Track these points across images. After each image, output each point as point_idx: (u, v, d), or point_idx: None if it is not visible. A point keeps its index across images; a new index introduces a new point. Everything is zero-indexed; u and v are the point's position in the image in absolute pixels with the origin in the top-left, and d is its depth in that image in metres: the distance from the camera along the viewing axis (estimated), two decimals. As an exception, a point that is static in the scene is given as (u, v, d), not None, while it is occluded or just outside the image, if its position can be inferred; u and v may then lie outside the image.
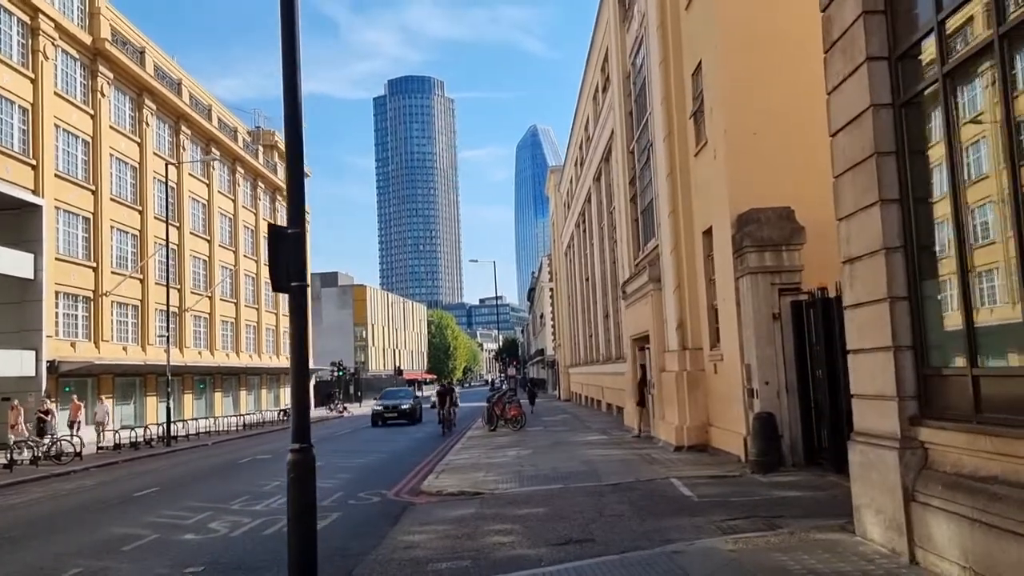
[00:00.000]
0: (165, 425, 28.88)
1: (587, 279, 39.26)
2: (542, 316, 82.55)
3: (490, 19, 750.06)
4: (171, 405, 30.08)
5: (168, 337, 30.34)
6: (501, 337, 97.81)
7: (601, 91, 30.19)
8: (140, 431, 28.55)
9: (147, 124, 38.12)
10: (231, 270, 48.63)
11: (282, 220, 58.53)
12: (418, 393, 44.13)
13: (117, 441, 26.85)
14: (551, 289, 66.49)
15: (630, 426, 22.31)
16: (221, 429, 35.88)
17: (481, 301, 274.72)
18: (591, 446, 18.76)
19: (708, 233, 15.08)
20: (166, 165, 32.00)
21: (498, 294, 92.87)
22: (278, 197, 57.68)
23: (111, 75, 34.88)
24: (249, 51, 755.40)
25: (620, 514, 9.68)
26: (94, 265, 33.20)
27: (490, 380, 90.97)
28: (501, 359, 74.88)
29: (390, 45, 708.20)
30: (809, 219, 12.59)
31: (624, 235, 23.03)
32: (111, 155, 34.93)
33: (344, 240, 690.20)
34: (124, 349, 35.33)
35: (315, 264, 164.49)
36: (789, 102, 13.41)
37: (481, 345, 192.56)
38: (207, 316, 44.77)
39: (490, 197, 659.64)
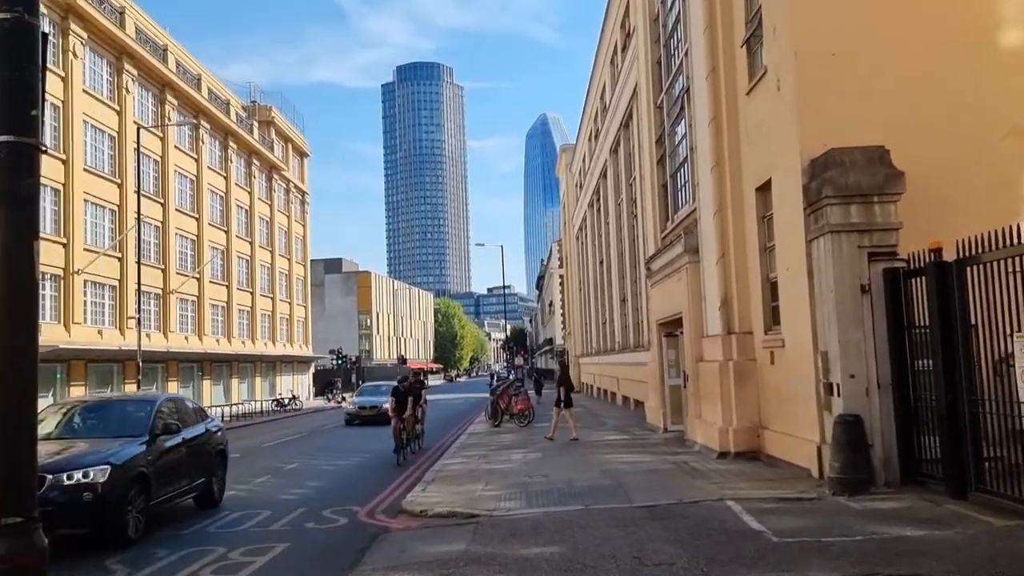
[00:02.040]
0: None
1: (601, 262, 36.30)
2: (551, 304, 79.65)
3: (500, 7, 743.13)
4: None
5: (139, 319, 27.55)
6: (508, 326, 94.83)
7: (620, 51, 27.13)
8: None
9: (127, 91, 35.27)
10: (222, 251, 45.83)
11: (279, 200, 55.80)
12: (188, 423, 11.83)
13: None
14: (561, 276, 63.50)
15: (654, 424, 19.38)
16: (205, 420, 33.25)
17: (489, 290, 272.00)
18: (612, 448, 15.85)
19: (764, 188, 12.09)
20: (138, 129, 29.14)
21: (506, 284, 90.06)
22: (275, 176, 54.82)
23: (85, 35, 32.00)
24: (258, 38, 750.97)
25: (669, 562, 6.76)
26: (64, 241, 30.44)
27: (494, 370, 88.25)
28: (508, 348, 72.00)
29: (398, 33, 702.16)
30: (906, 163, 9.61)
31: (649, 204, 20.03)
32: (85, 122, 32.09)
33: (352, 229, 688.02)
34: (99, 333, 32.61)
35: (320, 248, 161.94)
36: (878, 13, 10.44)
37: (489, 335, 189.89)
38: (195, 299, 42.03)
39: (499, 188, 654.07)
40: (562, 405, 18.18)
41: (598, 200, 36.30)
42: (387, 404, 19.34)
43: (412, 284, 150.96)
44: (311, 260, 70.92)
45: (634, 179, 25.56)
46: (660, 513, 8.93)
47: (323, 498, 12.11)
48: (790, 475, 10.73)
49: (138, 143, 29.46)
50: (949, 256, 8.60)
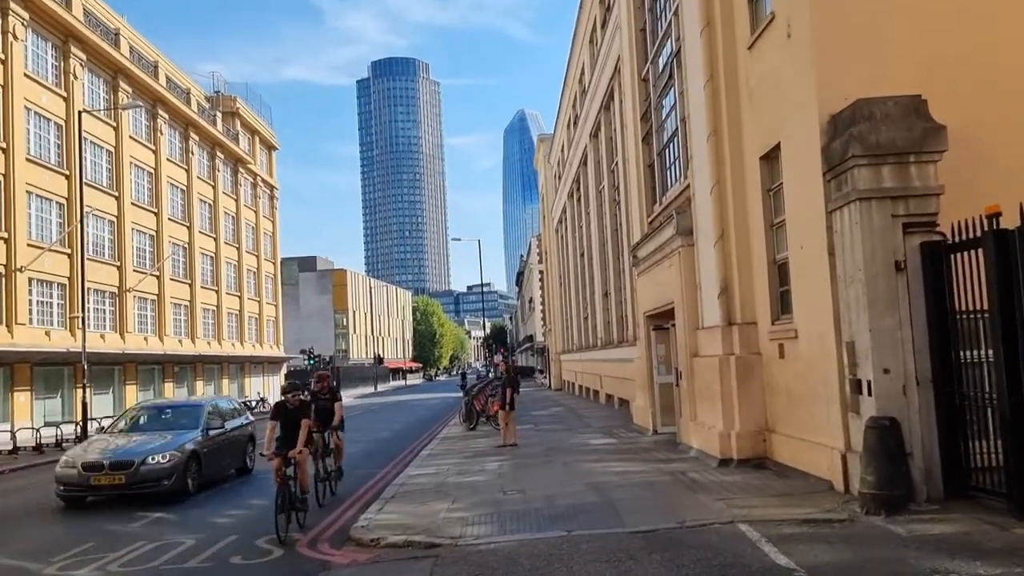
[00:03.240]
0: (81, 424, 24.13)
1: (582, 254, 34.75)
2: (531, 301, 78.04)
3: (475, 4, 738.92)
4: (90, 398, 25.25)
5: (83, 317, 25.49)
6: (488, 324, 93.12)
7: (600, 27, 25.54)
8: (54, 431, 23.89)
9: (75, 76, 33.00)
10: (183, 247, 43.60)
11: (246, 195, 53.67)
12: None
13: (15, 444, 22.07)
14: (541, 271, 61.90)
15: (641, 425, 17.80)
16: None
17: (469, 288, 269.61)
18: (597, 455, 14.21)
19: (770, 156, 10.51)
20: (80, 115, 27.00)
21: (486, 282, 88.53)
22: (240, 170, 52.56)
23: (26, 15, 29.74)
24: (230, 37, 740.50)
25: (681, 620, 5.12)
26: (4, 235, 28.24)
27: (468, 368, 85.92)
28: (488, 346, 70.33)
29: (373, 31, 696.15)
30: (947, 118, 8.07)
31: (634, 187, 18.44)
32: (27, 108, 29.85)
33: (328, 229, 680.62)
34: (47, 334, 30.39)
35: (298, 251, 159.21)
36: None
37: (469, 333, 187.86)
38: (155, 298, 39.81)
39: (478, 185, 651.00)
40: (507, 407, 16.54)
41: (578, 189, 34.73)
42: (161, 457, 12.02)
43: (391, 283, 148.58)
44: (284, 259, 68.50)
45: (616, 163, 24.00)
46: (660, 541, 7.31)
47: (264, 520, 10.28)
48: (807, 488, 9.15)
49: (79, 128, 27.31)
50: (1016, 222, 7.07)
